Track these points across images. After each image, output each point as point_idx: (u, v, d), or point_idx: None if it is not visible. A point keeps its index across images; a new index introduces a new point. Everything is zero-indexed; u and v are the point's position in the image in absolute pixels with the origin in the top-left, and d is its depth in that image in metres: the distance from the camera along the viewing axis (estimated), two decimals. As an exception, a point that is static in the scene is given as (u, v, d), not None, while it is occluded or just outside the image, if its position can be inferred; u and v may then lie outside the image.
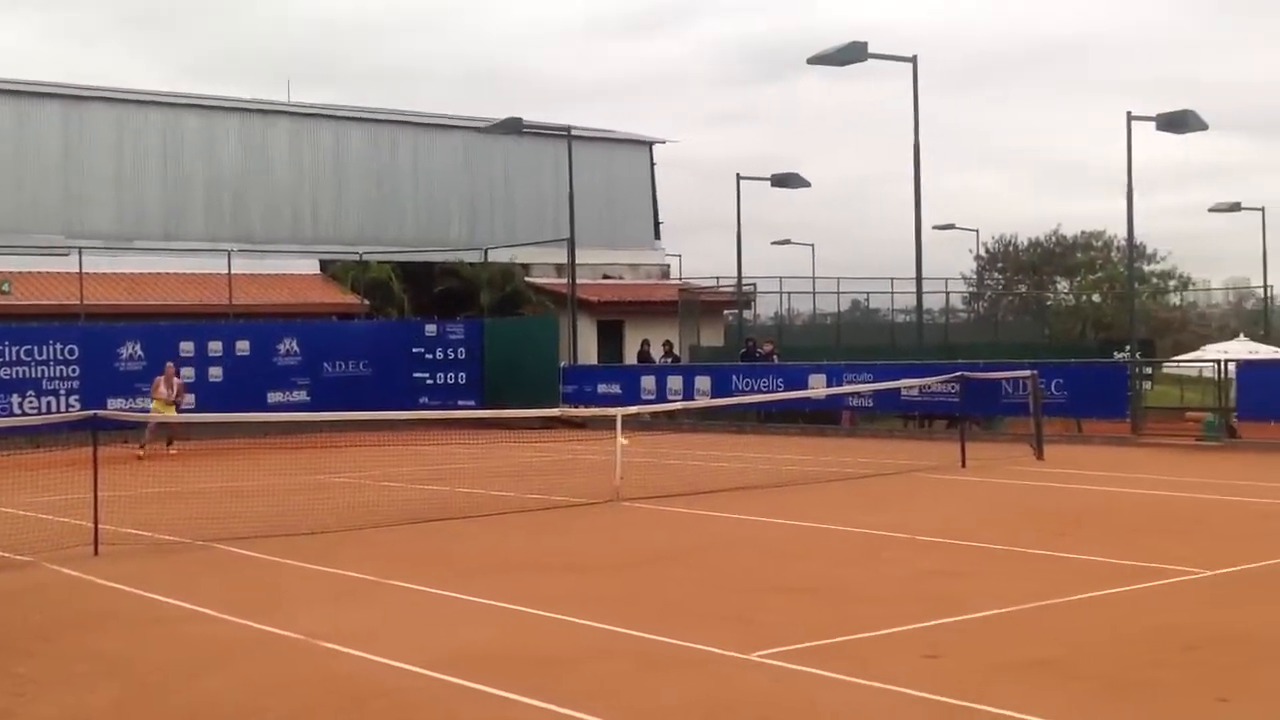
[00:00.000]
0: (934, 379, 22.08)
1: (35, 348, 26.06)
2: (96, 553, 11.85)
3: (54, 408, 25.27)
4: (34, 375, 25.95)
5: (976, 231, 55.46)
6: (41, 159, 35.58)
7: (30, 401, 25.64)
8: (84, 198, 36.14)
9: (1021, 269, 61.10)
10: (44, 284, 31.59)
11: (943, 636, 8.08)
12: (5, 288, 30.71)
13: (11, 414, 24.70)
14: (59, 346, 26.29)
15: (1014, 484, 16.56)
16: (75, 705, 6.91)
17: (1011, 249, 61.98)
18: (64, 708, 6.87)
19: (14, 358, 25.79)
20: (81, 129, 36.26)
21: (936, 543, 11.74)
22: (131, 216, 36.80)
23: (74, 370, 26.20)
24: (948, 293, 46.15)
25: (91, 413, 13.60)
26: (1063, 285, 59.03)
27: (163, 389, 23.86)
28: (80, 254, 28.71)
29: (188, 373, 27.46)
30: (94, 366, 26.23)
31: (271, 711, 6.70)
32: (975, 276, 60.08)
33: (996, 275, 61.78)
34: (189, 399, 26.77)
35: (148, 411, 23.37)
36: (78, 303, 28.22)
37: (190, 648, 8.27)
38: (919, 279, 27.63)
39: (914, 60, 26.00)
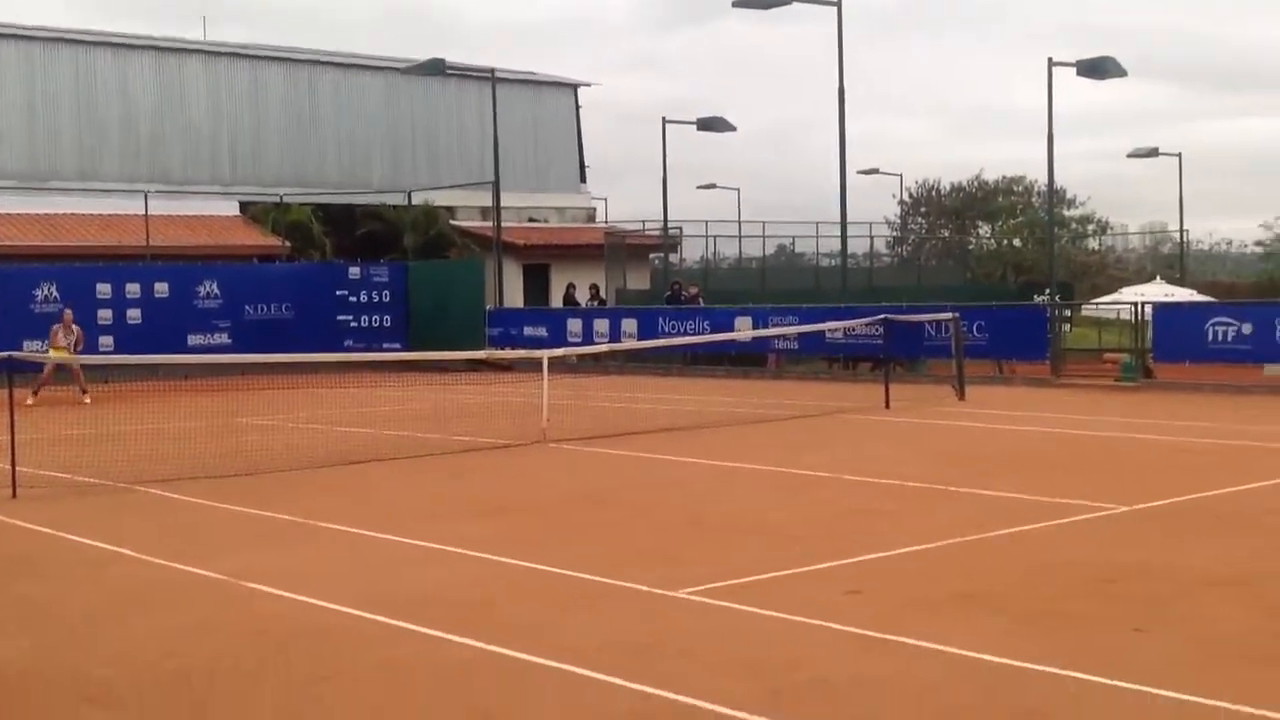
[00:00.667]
0: (858, 321, 22.28)
1: (-54, 289, 25.45)
2: (15, 495, 11.67)
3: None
4: (-56, 316, 25.37)
5: (900, 176, 55.87)
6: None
7: (-59, 344, 25.08)
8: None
9: (944, 213, 61.64)
10: (-47, 224, 30.84)
11: (865, 573, 8.21)
12: (-87, 228, 29.94)
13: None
14: (-30, 288, 25.70)
15: (937, 424, 16.81)
16: (-4, 648, 6.83)
17: (934, 194, 62.47)
18: (-16, 651, 6.78)
19: (-78, 298, 25.19)
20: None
21: (860, 482, 11.91)
22: (45, 156, 35.97)
23: (-13, 312, 25.65)
24: (871, 237, 46.51)
25: (6, 354, 13.32)
26: (984, 230, 59.67)
27: (60, 337, 23.08)
28: (-8, 195, 28.04)
29: (105, 315, 27.01)
30: (8, 308, 25.66)
31: (196, 652, 6.67)
32: (899, 221, 60.55)
33: (919, 220, 62.30)
34: (107, 341, 26.36)
35: None
36: (-10, 244, 27.60)
37: (114, 591, 8.19)
38: (843, 223, 27.79)
39: (839, 3, 25.99)
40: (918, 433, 16.18)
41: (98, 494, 12.09)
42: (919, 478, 11.97)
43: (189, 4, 78.53)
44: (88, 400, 21.75)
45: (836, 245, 33.31)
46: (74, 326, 23.46)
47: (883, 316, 21.13)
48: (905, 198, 60.25)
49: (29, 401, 20.88)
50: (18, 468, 11.97)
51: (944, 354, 21.84)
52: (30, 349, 22.88)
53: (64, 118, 36.33)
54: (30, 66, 35.91)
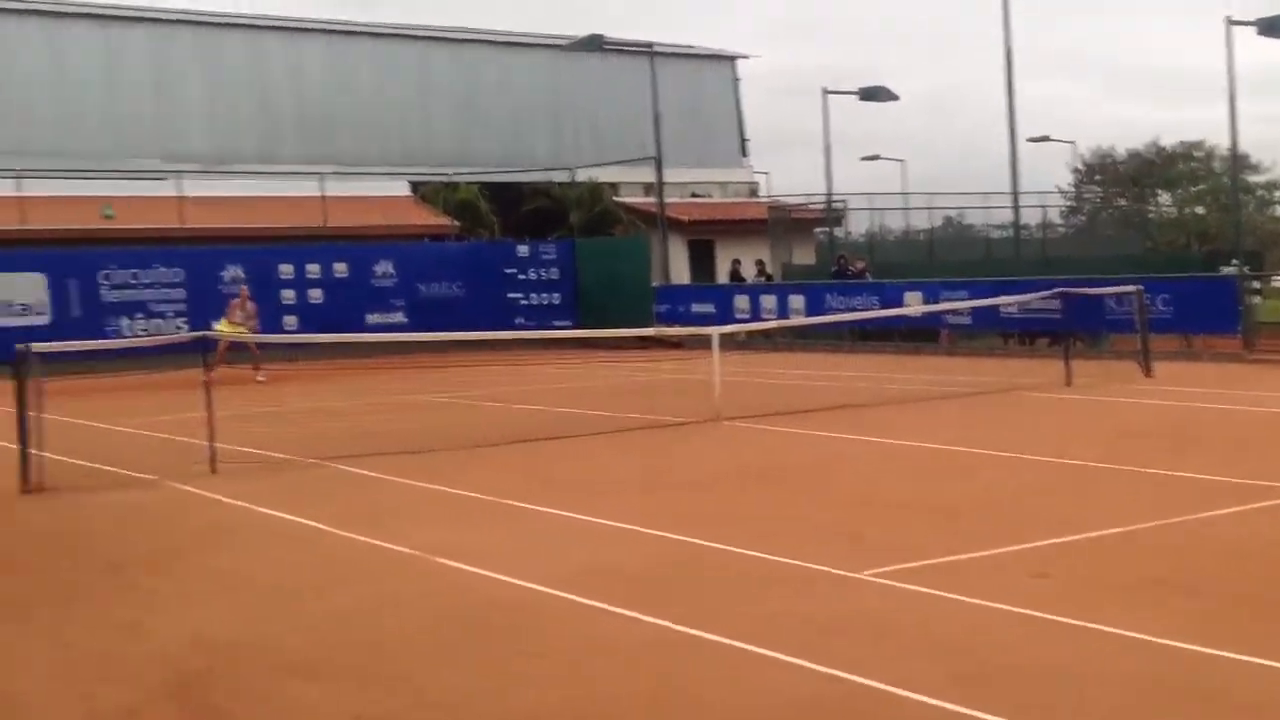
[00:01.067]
0: (1034, 295, 21.70)
1: (141, 271, 26.64)
2: (214, 471, 12.18)
3: (162, 330, 25.87)
4: (141, 298, 26.56)
5: (1073, 143, 54.22)
6: (134, 85, 36.09)
7: (140, 324, 26.27)
8: (177, 122, 36.65)
9: (1120, 181, 59.69)
10: (144, 208, 32.13)
11: (1051, 555, 8.05)
12: (108, 212, 31.31)
13: (121, 336, 25.33)
14: (165, 270, 26.85)
15: (1122, 401, 16.32)
16: (202, 618, 7.15)
17: (1110, 161, 60.52)
18: (191, 621, 7.11)
19: (121, 281, 26.39)
20: (170, 53, 36.68)
21: (1043, 461, 11.65)
22: (225, 140, 37.28)
23: (180, 293, 26.76)
24: (1044, 206, 45.29)
25: (200, 334, 13.92)
26: (1164, 198, 57.61)
27: (237, 314, 23.32)
28: (179, 178, 29.17)
29: (288, 295, 27.94)
30: (199, 289, 26.74)
31: (391, 624, 6.88)
32: (1073, 190, 58.83)
33: (1094, 188, 60.44)
34: (291, 320, 27.27)
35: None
36: (179, 226, 28.73)
37: (311, 563, 8.50)
38: (1015, 192, 27.18)
39: (1010, -34, 25.31)
40: (1102, 410, 15.74)
41: (290, 470, 12.54)
42: (1105, 458, 11.65)
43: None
44: (261, 379, 21.87)
45: (1008, 216, 32.58)
46: (249, 304, 23.71)
47: (1059, 290, 20.57)
48: (1079, 165, 58.55)
49: (203, 378, 21.31)
50: (215, 444, 12.47)
51: (1127, 328, 21.17)
52: (218, 329, 23.70)
53: (241, 102, 37.59)
54: (205, 51, 37.22)
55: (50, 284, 25.75)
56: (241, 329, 22.67)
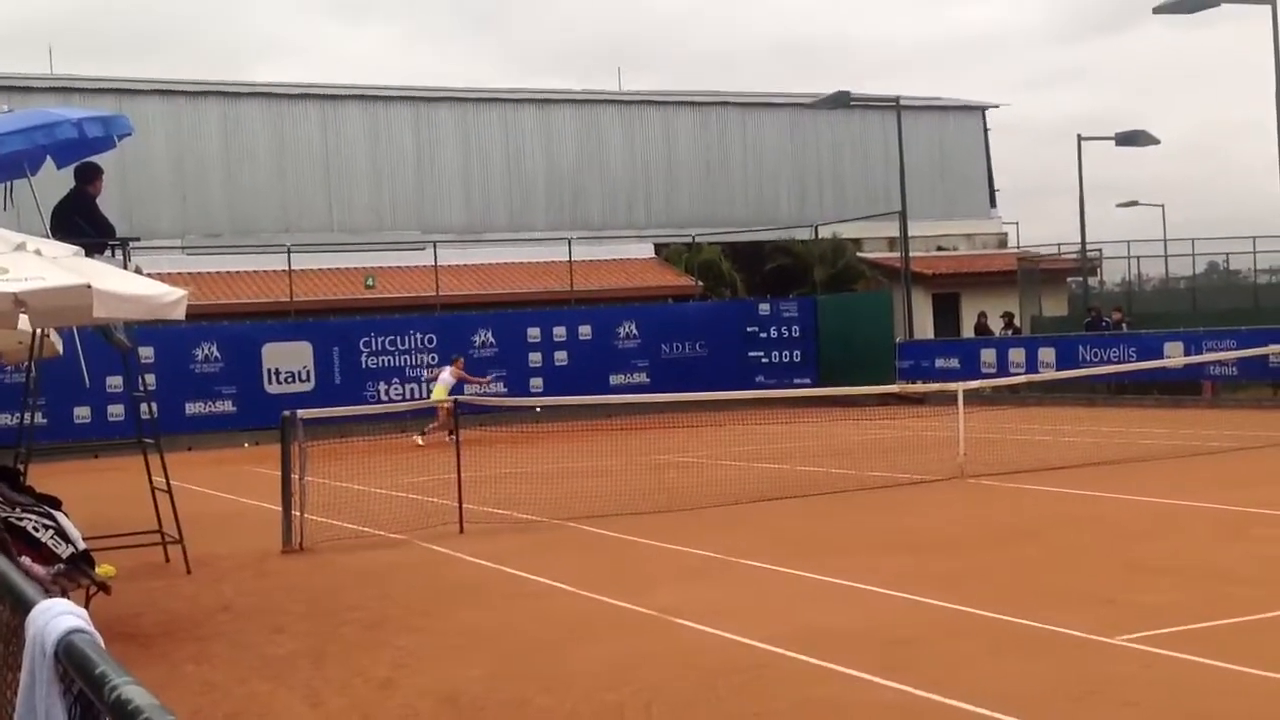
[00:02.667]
0: (1306, 343, 20.45)
1: (398, 337, 27.81)
2: (462, 530, 12.54)
3: (417, 394, 26.90)
4: (398, 364, 27.72)
5: (1349, 180, 50.90)
6: (397, 160, 37.95)
7: (395, 388, 27.41)
8: (436, 195, 38.32)
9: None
10: (403, 278, 33.69)
11: (1329, 622, 7.50)
12: (370, 282, 32.90)
13: (379, 400, 26.46)
14: (419, 336, 27.96)
15: (1404, 456, 15.17)
16: (451, 676, 7.34)
17: (1391, 198, 56.60)
18: (441, 678, 7.30)
19: (379, 347, 27.62)
20: (431, 129, 38.45)
21: (1317, 520, 10.90)
22: (479, 210, 38.75)
23: (434, 359, 27.78)
24: (1317, 249, 42.64)
25: (453, 399, 14.40)
26: None
27: (445, 375, 23.93)
28: (435, 248, 30.44)
29: (534, 358, 28.69)
30: (450, 354, 27.73)
31: (629, 684, 6.91)
32: (1349, 230, 55.22)
33: (1374, 228, 56.59)
34: (537, 382, 27.99)
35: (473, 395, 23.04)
36: (434, 294, 29.94)
37: (553, 622, 8.63)
38: (1285, 236, 25.65)
39: (1274, 1, 24.11)
40: (1383, 465, 14.64)
41: (533, 530, 12.80)
42: (1387, 516, 10.82)
43: (604, 56, 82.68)
44: (420, 442, 21.96)
45: (1277, 260, 30.85)
46: (460, 373, 24.19)
47: (1335, 337, 19.31)
48: (1355, 204, 54.93)
49: (419, 441, 21.77)
50: (464, 504, 12.85)
51: None
52: (470, 392, 24.43)
53: (495, 173, 39.02)
54: (464, 126, 38.85)
55: (315, 352, 27.14)
56: (444, 392, 22.89)
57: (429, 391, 25.21)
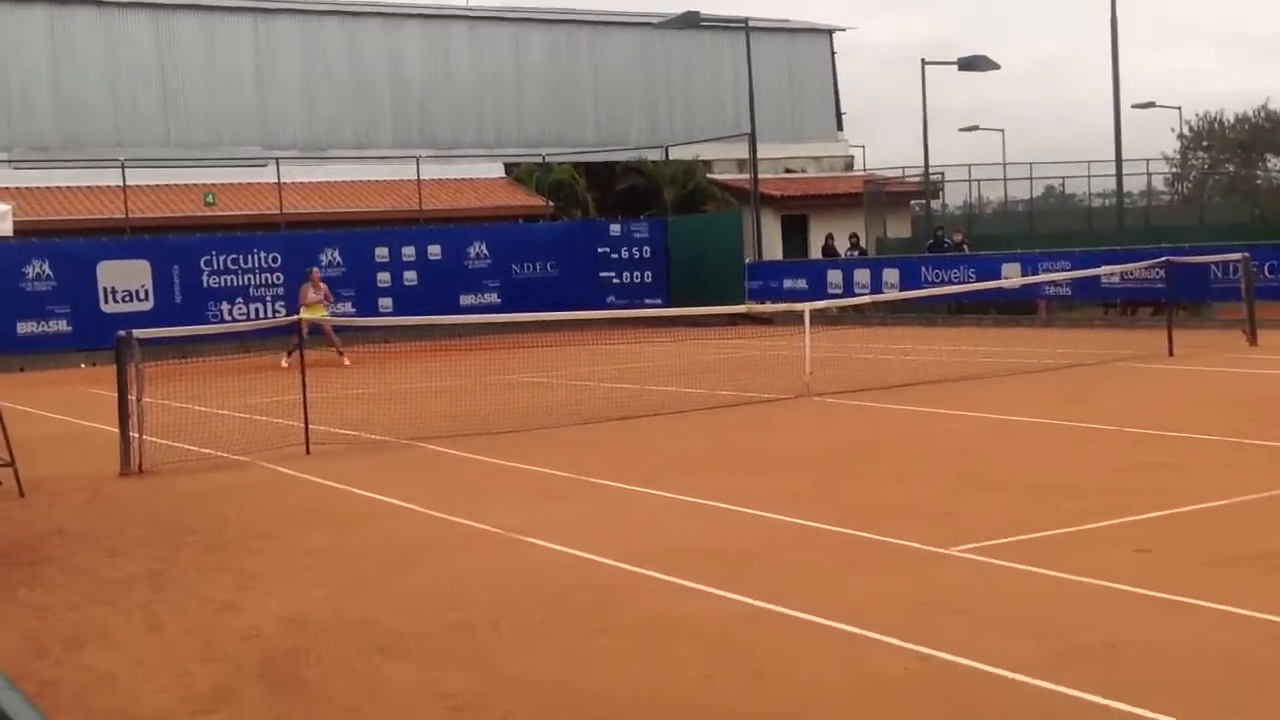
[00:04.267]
0: (1137, 265, 21.23)
1: (241, 256, 27.10)
2: (308, 452, 12.33)
3: (261, 314, 26.30)
4: (241, 283, 27.03)
5: (1179, 109, 52.79)
6: (236, 73, 36.68)
7: (239, 308, 26.75)
8: (277, 109, 37.19)
9: (1229, 148, 58.03)
10: (245, 195, 32.73)
11: (1154, 531, 7.83)
12: (210, 199, 31.91)
13: (222, 320, 25.81)
14: (263, 255, 27.29)
15: (1227, 372, 15.88)
16: (295, 597, 7.23)
17: (1218, 126, 58.85)
18: (285, 600, 7.19)
19: (222, 266, 26.89)
20: (270, 41, 37.21)
21: (1145, 434, 11.36)
22: (323, 126, 37.76)
23: (278, 277, 27.18)
24: (1149, 174, 44.24)
25: (296, 317, 14.10)
26: (1274, 163, 55.88)
27: (310, 294, 23.19)
28: (278, 165, 29.62)
29: (383, 277, 28.27)
30: (296, 273, 27.12)
31: (478, 603, 6.90)
32: (1178, 157, 57.34)
33: (1201, 155, 58.83)
34: (386, 302, 27.60)
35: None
36: (278, 212, 29.18)
37: (398, 543, 8.56)
38: (1118, 160, 26.55)
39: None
40: (1205, 381, 15.32)
41: (381, 450, 12.66)
42: (1209, 429, 11.33)
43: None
44: (347, 362, 21.61)
45: (1110, 185, 31.95)
46: (321, 284, 23.52)
47: (1164, 259, 20.06)
48: (1185, 132, 57.00)
49: (283, 364, 21.02)
50: (309, 425, 12.62)
51: (1232, 297, 20.61)
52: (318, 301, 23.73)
53: (339, 88, 38.02)
54: (306, 40, 37.70)
55: (153, 271, 26.28)
56: (319, 309, 22.44)
57: (278, 313, 24.55)
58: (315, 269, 24.49)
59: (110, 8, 35.43)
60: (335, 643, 6.39)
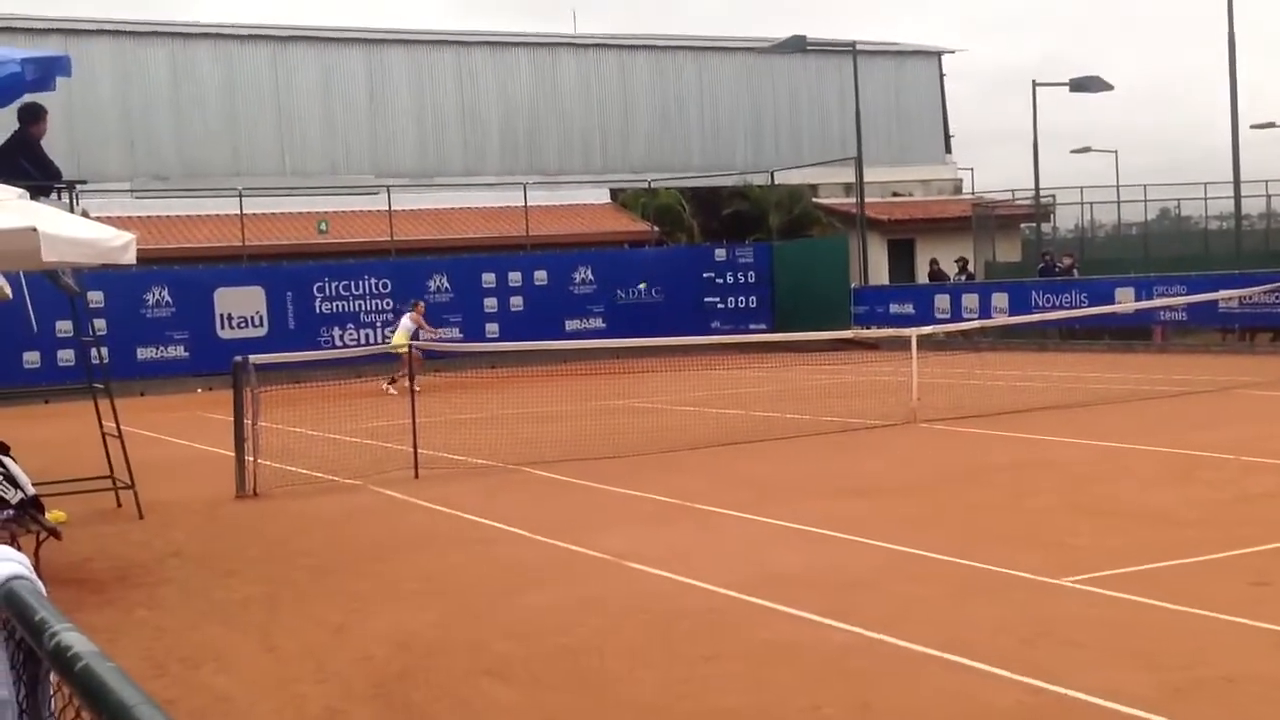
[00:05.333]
0: (1256, 289, 20.69)
1: (352, 283, 27.61)
2: (417, 476, 12.51)
3: (371, 339, 26.75)
4: (352, 309, 27.53)
5: (1300, 127, 51.33)
6: (349, 103, 37.44)
7: (350, 334, 27.23)
8: (389, 138, 37.87)
9: (1352, 167, 56.27)
10: (356, 222, 33.36)
11: (1272, 563, 7.63)
12: (323, 227, 32.58)
13: (334, 345, 26.30)
14: (373, 281, 27.77)
15: (1349, 400, 15.40)
16: (405, 620, 7.33)
17: (1341, 145, 57.13)
18: (395, 623, 7.30)
19: (333, 293, 27.42)
20: (384, 71, 37.92)
21: (1262, 463, 11.06)
22: (433, 154, 38.36)
23: (388, 304, 27.63)
24: (1269, 196, 42.98)
25: (408, 344, 14.35)
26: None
27: (406, 322, 23.11)
28: (389, 192, 30.15)
29: (490, 303, 28.60)
30: (406, 299, 27.56)
31: (584, 628, 6.94)
32: (1299, 177, 55.73)
33: (1324, 175, 57.12)
34: (493, 328, 27.90)
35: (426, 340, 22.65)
36: (388, 239, 29.69)
37: (506, 567, 8.64)
38: (1236, 181, 25.91)
39: (1228, -54, 24.17)
40: (1327, 409, 14.87)
41: (488, 474, 12.79)
42: (1331, 459, 10.99)
43: None
44: (393, 391, 21.44)
45: (1228, 207, 31.12)
46: (421, 319, 23.51)
47: (1284, 282, 19.53)
48: (1306, 151, 55.35)
49: (391, 390, 21.35)
50: (419, 450, 12.81)
51: (1356, 322, 19.99)
52: (425, 338, 24.28)
53: (449, 116, 38.61)
54: (417, 69, 38.36)
55: (268, 297, 26.88)
56: (403, 339, 22.07)
57: (387, 338, 24.99)
58: (421, 302, 24.77)
59: (229, 40, 36.43)
60: (443, 666, 6.47)
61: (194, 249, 30.61)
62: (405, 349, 20.54)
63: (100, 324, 22.29)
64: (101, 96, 34.28)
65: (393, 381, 22.03)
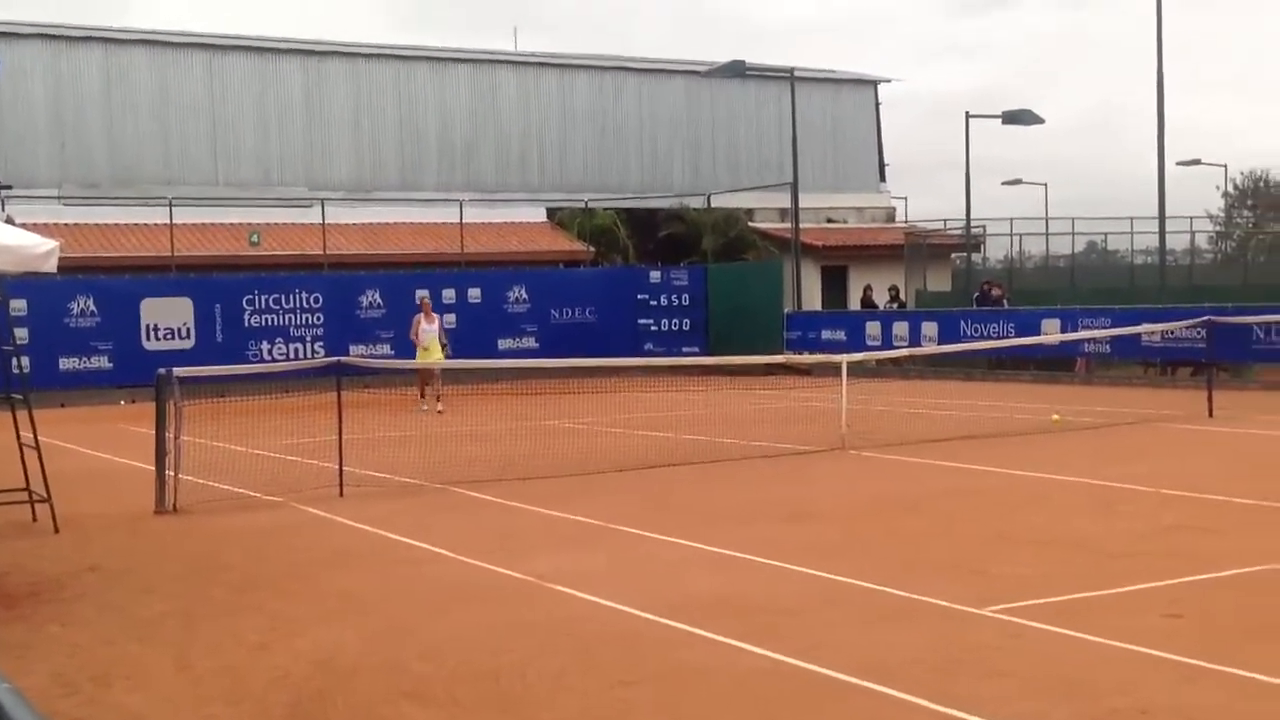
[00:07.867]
0: (1178, 323, 21.06)
1: (283, 296, 27.31)
2: (342, 494, 12.40)
3: (301, 354, 26.50)
4: (282, 323, 27.24)
5: (1224, 166, 52.51)
6: (285, 114, 37.16)
7: (279, 348, 26.94)
8: (325, 151, 37.62)
9: (1274, 206, 57.69)
10: (289, 235, 33.09)
11: (1187, 595, 7.75)
12: (255, 239, 32.26)
13: (262, 360, 26.00)
14: (305, 295, 27.49)
15: (1266, 434, 15.72)
16: (327, 641, 7.25)
17: (1263, 185, 58.56)
18: (315, 642, 7.22)
19: (263, 305, 27.11)
20: (321, 84, 37.69)
21: (1180, 496, 11.25)
22: (369, 168, 38.15)
23: (319, 318, 27.38)
24: (1192, 232, 43.89)
25: (336, 359, 14.23)
26: (1321, 223, 55.48)
27: (424, 324, 22.26)
28: (323, 205, 29.92)
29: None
30: (337, 314, 27.34)
31: (506, 651, 6.90)
32: (1223, 215, 57.02)
33: (1246, 213, 58.50)
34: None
35: (408, 358, 22.20)
36: (321, 253, 29.45)
37: (429, 587, 8.58)
38: (1161, 217, 26.42)
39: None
40: (1245, 444, 15.17)
41: (415, 494, 12.70)
42: (1247, 493, 11.21)
43: (501, 15, 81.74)
44: (440, 409, 21.02)
45: (1153, 241, 31.68)
46: (434, 315, 22.69)
47: (1206, 318, 19.91)
48: (1230, 189, 56.72)
49: (439, 409, 20.85)
50: (344, 467, 12.70)
51: (1275, 359, 20.44)
52: (356, 353, 24.14)
53: (387, 130, 38.43)
54: (356, 82, 38.16)
55: (196, 308, 26.55)
56: (437, 353, 21.87)
57: (316, 354, 24.74)
58: (426, 297, 23.83)
59: (164, 47, 36.03)
60: (363, 686, 6.41)
61: (122, 258, 30.18)
62: (440, 357, 20.32)
63: (22, 333, 21.86)
64: (32, 100, 33.79)
65: (438, 398, 21.30)
